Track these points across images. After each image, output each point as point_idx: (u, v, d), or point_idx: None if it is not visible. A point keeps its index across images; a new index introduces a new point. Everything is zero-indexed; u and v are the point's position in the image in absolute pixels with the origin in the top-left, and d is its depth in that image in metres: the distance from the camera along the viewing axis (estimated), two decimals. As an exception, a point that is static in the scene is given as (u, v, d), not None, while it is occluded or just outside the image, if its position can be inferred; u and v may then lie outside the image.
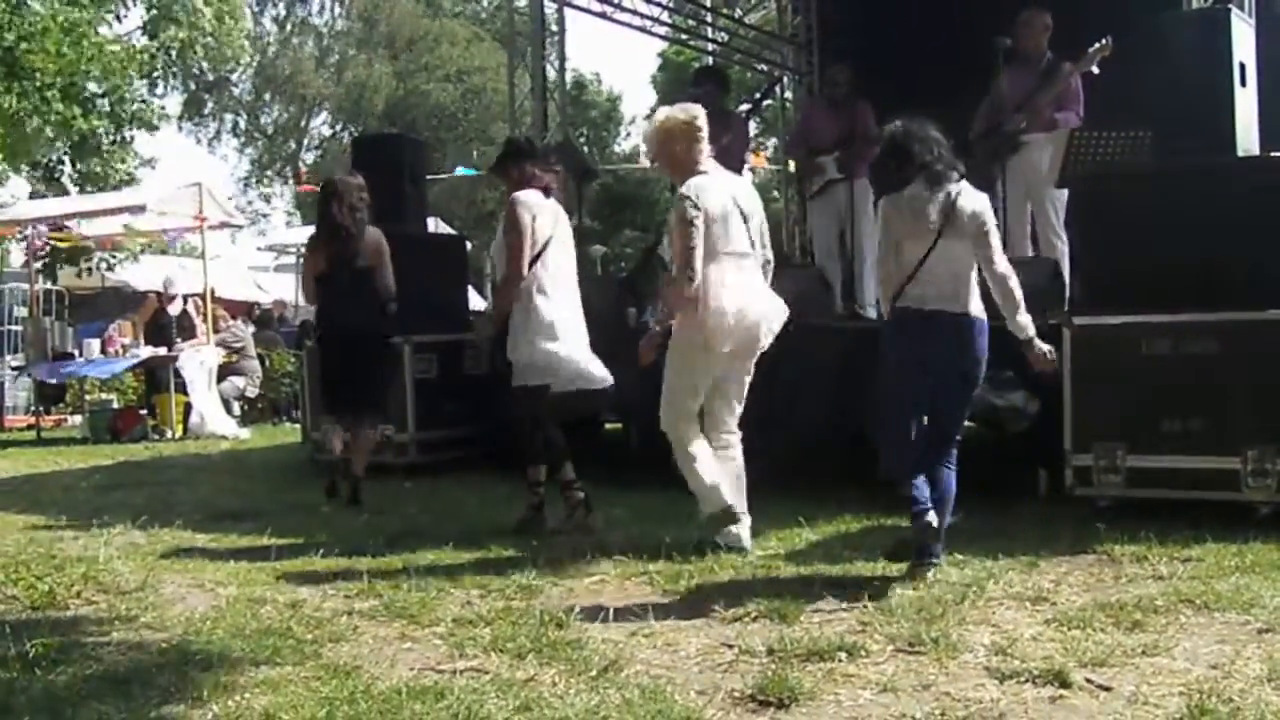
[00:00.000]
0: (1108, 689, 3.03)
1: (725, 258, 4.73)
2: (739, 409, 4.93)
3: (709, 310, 4.68)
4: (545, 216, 5.42)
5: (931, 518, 4.13)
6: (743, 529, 4.82)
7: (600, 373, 5.41)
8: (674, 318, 4.84)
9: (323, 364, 6.79)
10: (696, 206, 4.69)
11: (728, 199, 4.79)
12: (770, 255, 4.97)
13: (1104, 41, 6.78)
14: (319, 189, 6.99)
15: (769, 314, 4.82)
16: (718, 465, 4.82)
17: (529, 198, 5.42)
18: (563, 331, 5.34)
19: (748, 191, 4.99)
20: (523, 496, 5.51)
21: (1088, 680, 3.09)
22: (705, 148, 4.86)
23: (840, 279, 8.04)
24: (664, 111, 5.01)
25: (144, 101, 17.48)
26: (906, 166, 4.37)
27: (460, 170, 26.38)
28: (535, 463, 5.47)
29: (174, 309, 12.44)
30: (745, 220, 4.82)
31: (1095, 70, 6.89)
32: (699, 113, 4.90)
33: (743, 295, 4.73)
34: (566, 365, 5.32)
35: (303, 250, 17.38)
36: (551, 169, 5.66)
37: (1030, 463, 5.79)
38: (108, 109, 16.04)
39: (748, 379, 4.92)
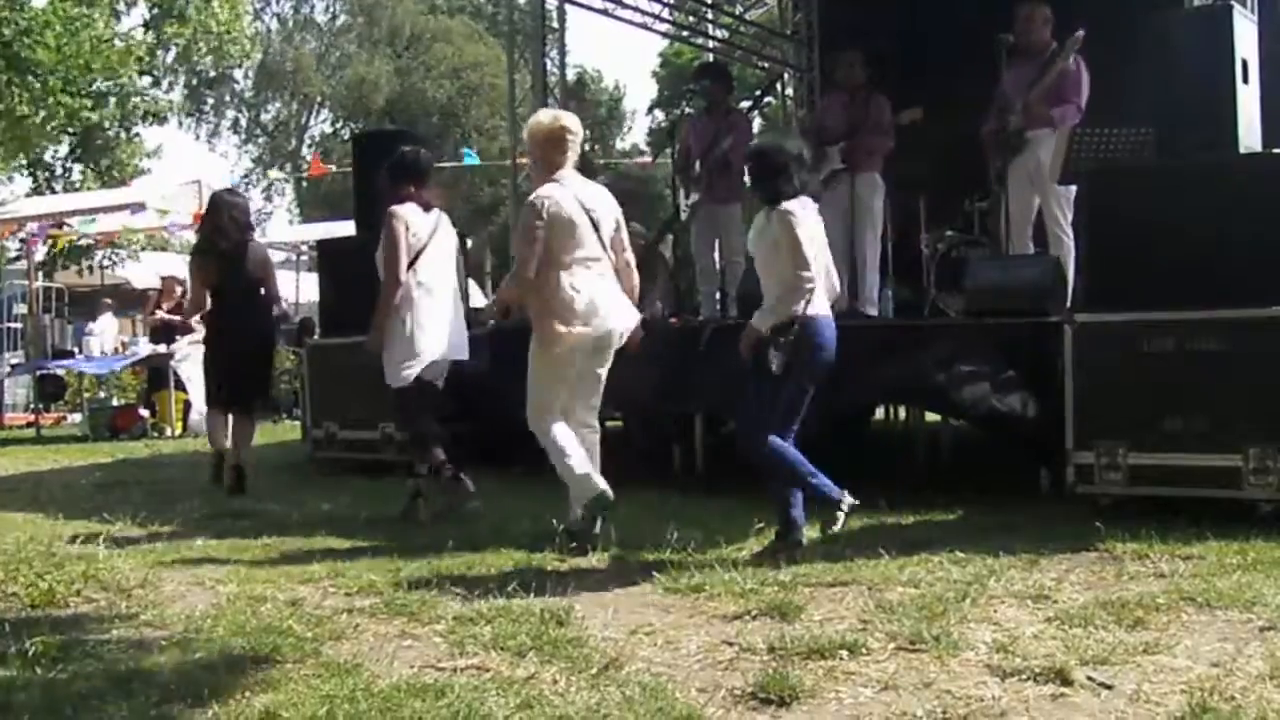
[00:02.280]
0: (1109, 687, 3.03)
1: (576, 264, 4.98)
2: (596, 405, 5.19)
3: (560, 315, 4.96)
4: (420, 228, 5.86)
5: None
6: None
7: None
8: (505, 312, 5.50)
9: (216, 364, 7.37)
10: (541, 215, 4.95)
11: (576, 207, 5.01)
12: (630, 258, 5.18)
13: (1075, 36, 6.81)
14: (208, 206, 7.63)
15: (617, 316, 5.05)
16: (584, 452, 5.02)
17: (403, 210, 5.87)
18: (421, 335, 5.79)
19: (599, 199, 5.12)
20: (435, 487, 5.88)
21: (1089, 678, 3.08)
22: (569, 155, 5.09)
23: (847, 275, 8.01)
24: (540, 113, 5.36)
25: (150, 97, 17.50)
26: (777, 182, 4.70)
27: (467, 157, 26.10)
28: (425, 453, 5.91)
29: (168, 303, 12.48)
30: (596, 227, 5.03)
31: (1070, 64, 6.89)
32: (568, 121, 5.14)
33: (592, 299, 4.99)
34: (429, 366, 5.82)
35: (303, 249, 17.41)
36: (427, 185, 6.05)
37: (1031, 460, 5.78)
38: (113, 104, 16.05)
39: (603, 373, 5.14)
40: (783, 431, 4.66)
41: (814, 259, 4.63)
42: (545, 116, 5.24)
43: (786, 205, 4.63)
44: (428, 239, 5.88)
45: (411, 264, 5.80)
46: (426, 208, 5.95)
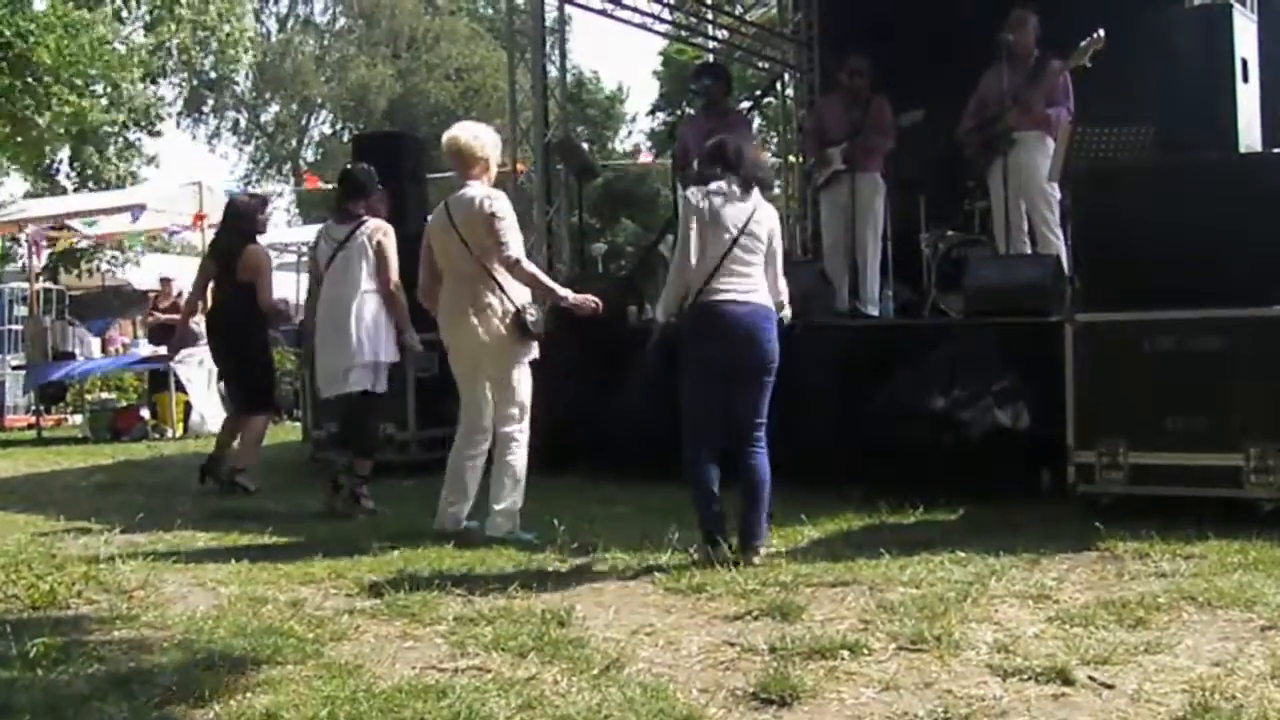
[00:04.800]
0: (1110, 686, 3.03)
1: (447, 276, 5.33)
2: (503, 410, 5.27)
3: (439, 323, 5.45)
4: (329, 242, 6.18)
5: (720, 543, 4.49)
6: (447, 510, 5.35)
7: (347, 381, 6.05)
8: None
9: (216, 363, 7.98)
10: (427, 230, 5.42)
11: (445, 221, 5.29)
12: (508, 254, 5.15)
13: (1096, 35, 6.76)
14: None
15: (452, 326, 5.29)
16: (454, 476, 5.35)
17: (322, 226, 6.39)
18: (318, 349, 6.19)
19: (463, 205, 5.24)
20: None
21: (1090, 678, 3.08)
22: (469, 170, 5.30)
23: (847, 275, 8.02)
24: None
25: (147, 100, 17.50)
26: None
27: None
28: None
29: (164, 303, 12.50)
30: (464, 239, 5.20)
31: (1088, 64, 6.88)
32: (457, 136, 5.35)
33: (445, 310, 5.32)
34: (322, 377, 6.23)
35: (302, 250, 17.41)
36: (358, 197, 6.29)
37: (1033, 460, 5.78)
38: (107, 104, 16.06)
39: (500, 381, 5.26)
40: (695, 438, 4.60)
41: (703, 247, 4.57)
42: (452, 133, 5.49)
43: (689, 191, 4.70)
44: (333, 252, 6.11)
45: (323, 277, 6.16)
46: (344, 218, 6.19)
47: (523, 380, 5.27)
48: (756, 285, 4.60)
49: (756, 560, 4.50)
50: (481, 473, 5.37)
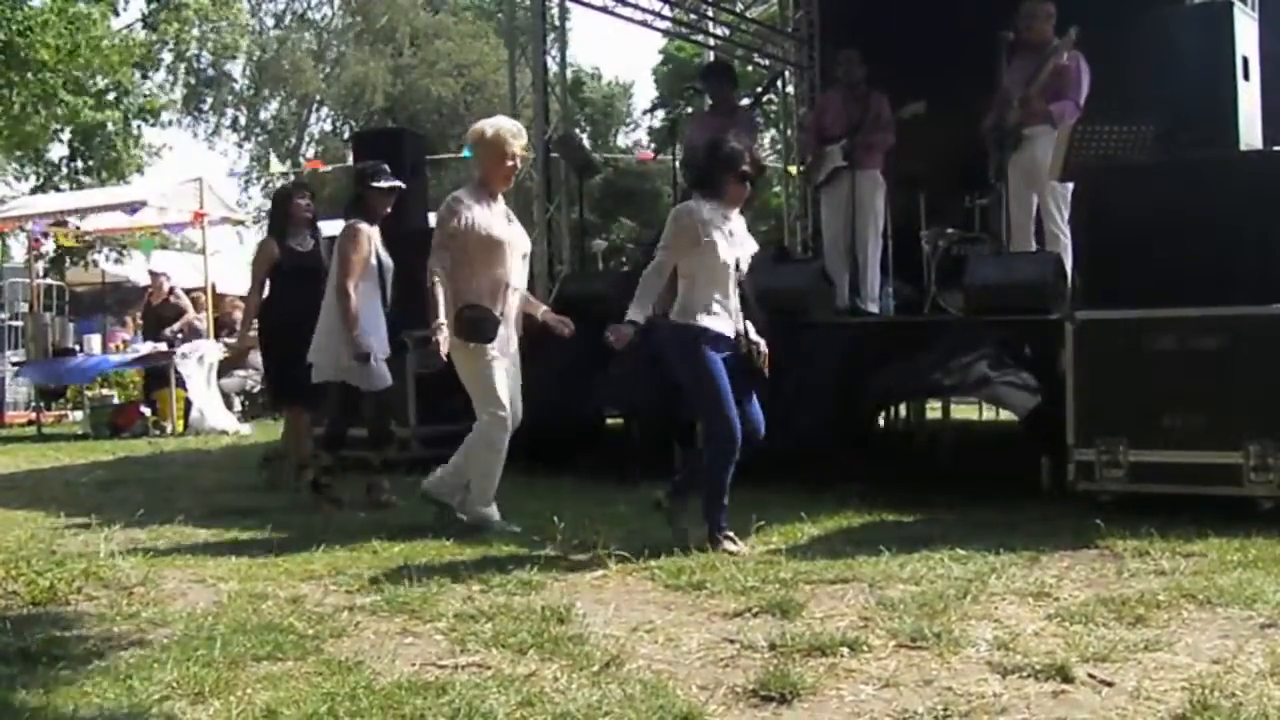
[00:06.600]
0: (1110, 684, 3.03)
1: None
2: (474, 404, 5.38)
3: None
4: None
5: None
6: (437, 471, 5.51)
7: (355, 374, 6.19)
8: None
9: None
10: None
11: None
12: (429, 261, 5.26)
13: (1071, 32, 6.83)
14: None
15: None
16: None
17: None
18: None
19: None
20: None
21: (1090, 675, 3.08)
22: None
23: (848, 272, 8.02)
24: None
25: (148, 94, 17.52)
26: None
27: (466, 152, 26.04)
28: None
29: (157, 299, 12.47)
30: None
31: (1065, 60, 6.91)
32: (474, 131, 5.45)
33: None
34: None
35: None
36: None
37: (1032, 457, 5.78)
38: (113, 101, 16.08)
39: (463, 377, 5.37)
40: None
41: None
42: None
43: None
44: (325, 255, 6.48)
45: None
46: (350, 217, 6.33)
47: (481, 373, 5.31)
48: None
49: (682, 541, 4.73)
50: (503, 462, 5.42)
